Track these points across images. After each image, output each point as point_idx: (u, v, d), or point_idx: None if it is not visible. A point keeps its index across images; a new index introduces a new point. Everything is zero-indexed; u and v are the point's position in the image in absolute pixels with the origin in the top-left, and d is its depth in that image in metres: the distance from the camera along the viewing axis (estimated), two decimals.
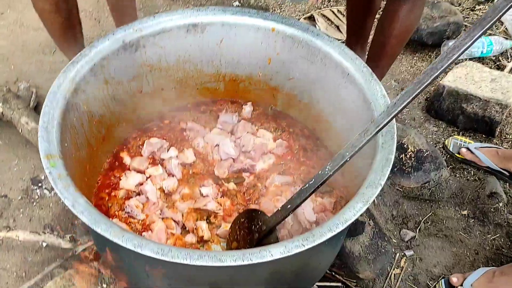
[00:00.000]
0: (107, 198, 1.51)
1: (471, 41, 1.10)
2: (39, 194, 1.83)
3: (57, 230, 1.66)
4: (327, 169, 1.21)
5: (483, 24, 1.09)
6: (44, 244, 1.67)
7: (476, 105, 2.14)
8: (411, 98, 1.17)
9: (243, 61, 1.69)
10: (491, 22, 1.09)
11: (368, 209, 1.69)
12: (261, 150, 1.66)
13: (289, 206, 1.25)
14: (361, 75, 1.40)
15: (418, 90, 1.16)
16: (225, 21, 1.55)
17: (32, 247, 1.68)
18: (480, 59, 2.59)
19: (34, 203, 1.81)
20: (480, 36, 1.10)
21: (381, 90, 1.35)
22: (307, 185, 1.23)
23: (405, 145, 1.88)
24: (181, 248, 0.96)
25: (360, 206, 1.07)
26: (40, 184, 1.86)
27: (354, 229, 1.63)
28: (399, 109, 1.18)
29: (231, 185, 1.58)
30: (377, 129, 1.19)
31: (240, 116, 1.78)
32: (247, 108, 1.79)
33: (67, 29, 1.81)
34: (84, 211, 1.01)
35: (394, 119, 1.24)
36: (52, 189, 1.85)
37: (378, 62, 1.96)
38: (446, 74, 2.28)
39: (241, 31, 1.59)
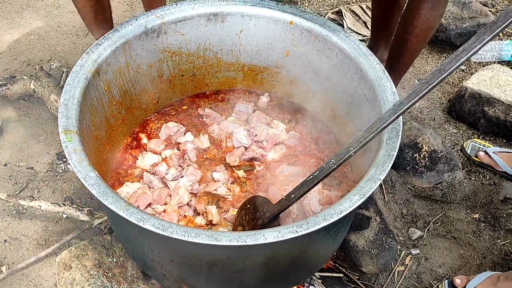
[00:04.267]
0: (124, 174, 1.59)
1: (480, 44, 1.11)
2: (63, 168, 1.94)
3: (76, 203, 1.76)
4: (331, 162, 1.23)
5: (493, 28, 1.09)
6: (64, 216, 1.77)
7: (498, 109, 2.10)
8: (417, 98, 1.18)
9: (262, 52, 1.73)
10: (502, 27, 1.09)
11: (376, 205, 1.72)
12: (273, 141, 1.70)
13: (292, 195, 1.28)
14: (374, 71, 1.42)
15: (425, 91, 1.17)
16: (245, 12, 1.60)
17: (53, 218, 1.78)
18: (510, 63, 2.54)
19: (58, 177, 1.91)
20: (489, 40, 1.10)
21: (391, 87, 1.36)
22: (311, 177, 1.27)
23: (419, 145, 1.88)
24: (180, 225, 1.02)
25: (356, 199, 1.10)
26: (64, 159, 1.96)
27: (359, 223, 1.65)
28: (405, 108, 1.20)
29: (241, 173, 1.63)
30: (383, 126, 1.20)
31: (256, 106, 1.83)
32: (264, 99, 1.83)
33: (97, 12, 1.89)
34: (94, 184, 1.08)
35: (400, 116, 1.25)
36: None
37: (399, 58, 1.96)
38: (471, 76, 2.25)
39: (261, 22, 1.63)
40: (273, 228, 1.04)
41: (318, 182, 1.25)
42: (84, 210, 1.71)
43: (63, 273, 1.45)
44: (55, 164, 1.95)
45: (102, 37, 1.43)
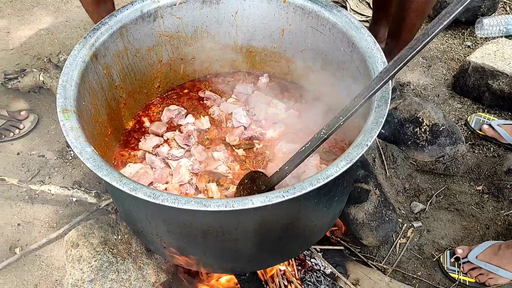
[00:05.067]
0: (127, 156, 1.65)
1: (462, 6, 1.11)
2: (72, 155, 2.01)
3: (84, 186, 1.82)
4: (322, 133, 1.26)
5: None
6: (74, 199, 1.84)
7: (502, 82, 2.08)
8: (402, 63, 1.20)
9: (258, 32, 1.76)
10: None
11: (376, 179, 1.73)
12: (272, 120, 1.73)
13: (286, 167, 1.31)
14: (365, 43, 1.43)
15: (409, 56, 1.18)
16: None
17: (64, 202, 1.86)
18: None
19: (68, 163, 1.98)
20: (470, 3, 1.10)
21: (382, 57, 1.37)
22: (303, 148, 1.29)
23: (420, 119, 1.88)
24: (171, 193, 1.06)
25: (343, 164, 1.12)
26: None
27: (358, 196, 1.67)
28: (391, 74, 1.21)
29: (240, 152, 1.66)
30: (370, 93, 1.22)
31: (255, 87, 1.86)
32: (263, 80, 1.86)
33: (100, 2, 1.95)
34: (89, 158, 1.12)
35: (389, 84, 1.27)
36: None
37: (399, 36, 1.96)
38: (474, 50, 2.23)
39: (255, 2, 1.65)
40: (260, 194, 1.07)
41: (310, 153, 1.27)
42: (91, 192, 1.77)
43: (71, 250, 1.52)
44: (64, 152, 2.03)
45: (99, 22, 1.48)
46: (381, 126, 1.23)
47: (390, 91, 1.30)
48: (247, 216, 1.16)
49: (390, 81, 1.27)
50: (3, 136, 2.07)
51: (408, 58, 1.19)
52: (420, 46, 1.19)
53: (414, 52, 1.18)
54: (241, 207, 1.04)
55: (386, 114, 1.25)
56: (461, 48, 2.49)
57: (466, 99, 2.21)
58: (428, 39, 1.17)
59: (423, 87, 2.28)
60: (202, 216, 1.13)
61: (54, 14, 2.75)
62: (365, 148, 1.17)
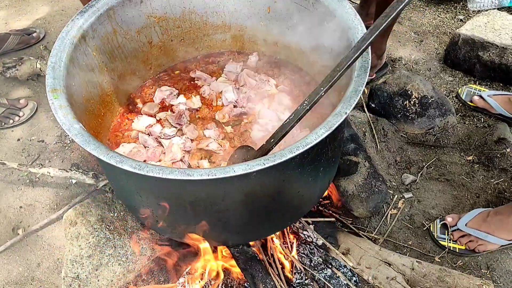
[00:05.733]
0: (121, 137, 1.69)
1: None
2: (70, 139, 2.06)
3: (82, 168, 1.87)
4: (305, 104, 1.29)
5: None
6: (73, 181, 1.90)
7: (493, 53, 2.09)
8: (378, 31, 1.22)
9: (245, 11, 1.78)
10: None
11: (365, 152, 1.76)
12: (262, 95, 1.76)
13: (272, 140, 1.34)
14: (346, 16, 1.45)
15: (385, 24, 1.21)
16: None
17: (63, 184, 1.91)
18: (510, 9, 2.49)
19: (66, 147, 2.04)
20: None
21: (362, 29, 1.39)
22: (287, 120, 1.32)
23: (409, 92, 1.90)
24: (155, 165, 1.10)
25: (322, 132, 1.15)
26: None
27: (348, 169, 1.70)
28: (367, 43, 1.24)
29: (229, 129, 1.70)
30: (348, 63, 1.25)
31: (245, 65, 1.88)
32: (253, 58, 1.89)
33: None
34: (77, 134, 1.17)
35: (368, 54, 1.29)
36: None
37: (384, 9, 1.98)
38: (464, 23, 2.23)
39: None
40: (242, 163, 1.11)
41: (294, 124, 1.30)
42: (89, 174, 1.82)
43: (69, 228, 1.57)
44: (63, 136, 2.08)
45: (86, 4, 1.51)
46: (359, 95, 1.25)
47: (370, 60, 1.32)
48: (232, 186, 1.20)
49: (369, 49, 1.30)
50: (3, 124, 2.12)
51: (383, 25, 1.22)
52: (395, 13, 1.21)
53: (389, 19, 1.21)
54: (223, 175, 1.08)
55: (365, 83, 1.27)
56: (453, 22, 2.49)
57: (457, 71, 2.22)
58: (402, 5, 1.20)
59: (414, 61, 2.29)
60: (189, 186, 1.18)
61: (50, 4, 2.79)
62: (344, 116, 1.20)
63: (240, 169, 1.09)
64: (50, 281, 1.67)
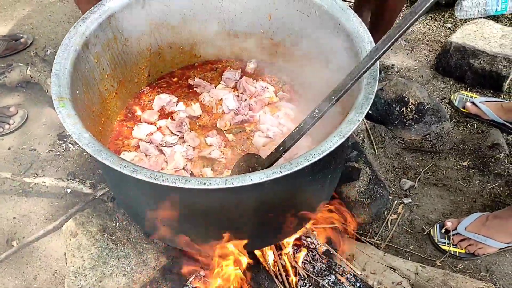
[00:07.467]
0: (121, 145, 1.66)
1: None
2: (64, 147, 2.01)
3: (79, 177, 1.83)
4: (315, 113, 1.29)
5: None
6: (69, 191, 1.85)
7: (483, 61, 2.15)
8: (391, 41, 1.23)
9: (245, 18, 1.78)
10: None
11: (365, 158, 1.78)
12: (262, 102, 1.76)
13: (281, 148, 1.34)
14: (351, 24, 1.47)
15: (398, 34, 1.22)
16: None
17: (58, 194, 1.86)
18: (495, 18, 2.57)
19: (60, 156, 1.99)
20: None
21: (368, 37, 1.41)
22: (297, 128, 1.33)
23: (406, 98, 1.93)
24: (171, 174, 1.08)
25: (336, 139, 1.16)
26: (65, 139, 2.04)
27: (350, 175, 1.71)
28: (380, 53, 1.24)
29: (230, 137, 1.69)
30: (361, 72, 1.26)
31: (243, 72, 1.88)
32: (251, 65, 1.89)
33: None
34: (88, 143, 1.14)
35: (377, 63, 1.31)
36: (76, 143, 2.02)
37: (381, 17, 2.01)
38: (455, 31, 2.29)
39: None
40: (258, 171, 1.10)
41: (304, 133, 1.31)
42: (86, 183, 1.78)
43: (70, 239, 1.53)
44: (56, 145, 2.03)
45: (88, 11, 1.49)
46: (371, 102, 1.27)
47: (378, 69, 1.34)
48: (246, 194, 1.19)
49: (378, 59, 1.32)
50: None
51: (396, 36, 1.23)
52: (408, 24, 1.22)
53: (402, 30, 1.22)
54: (241, 184, 1.07)
55: (375, 91, 1.29)
56: (442, 30, 2.55)
57: (449, 79, 2.27)
58: (415, 17, 1.21)
59: (407, 68, 2.33)
60: (202, 195, 1.16)
61: (37, 9, 2.73)
62: (357, 123, 1.21)
63: (258, 177, 1.08)
64: None
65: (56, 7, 2.73)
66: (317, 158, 1.12)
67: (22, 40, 2.47)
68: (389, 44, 1.25)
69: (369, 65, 1.26)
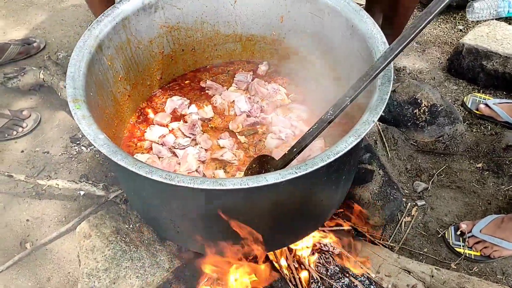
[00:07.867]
0: (134, 147, 1.67)
1: None
2: (77, 150, 2.02)
3: (92, 180, 1.84)
4: (329, 113, 1.29)
5: None
6: (82, 193, 1.86)
7: (496, 62, 2.13)
8: (406, 42, 1.23)
9: (258, 20, 1.78)
10: None
11: (378, 160, 1.77)
12: (274, 104, 1.76)
13: (294, 149, 1.34)
14: (364, 25, 1.46)
15: (413, 35, 1.22)
16: None
17: (71, 196, 1.87)
18: (507, 19, 2.55)
19: (73, 158, 2.00)
20: None
21: (382, 38, 1.40)
22: (311, 130, 1.32)
23: (418, 100, 1.92)
24: (186, 175, 1.08)
25: (352, 140, 1.15)
26: (78, 142, 2.05)
27: (363, 177, 1.70)
28: (395, 53, 1.24)
29: (242, 139, 1.69)
30: (376, 73, 1.25)
31: (255, 74, 1.88)
32: (263, 67, 1.89)
33: (107, 1, 1.97)
34: (103, 144, 1.15)
35: (391, 63, 1.30)
36: (89, 145, 2.04)
37: (393, 19, 2.01)
38: (466, 33, 2.28)
39: None
40: (273, 172, 1.10)
41: (318, 134, 1.30)
42: (99, 185, 1.79)
43: (84, 241, 1.54)
44: (69, 147, 2.04)
45: (102, 14, 1.50)
46: (385, 103, 1.26)
47: (392, 70, 1.34)
48: (261, 195, 1.19)
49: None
50: (6, 135, 2.08)
51: (412, 36, 1.22)
52: (424, 24, 1.22)
53: (418, 30, 1.21)
54: (256, 184, 1.07)
55: (389, 91, 1.28)
56: (453, 32, 2.54)
57: (461, 80, 2.25)
58: (430, 18, 1.20)
59: (418, 70, 2.32)
60: (217, 196, 1.16)
61: (49, 13, 2.75)
62: (372, 124, 1.20)
63: (273, 178, 1.08)
64: None
65: (68, 12, 2.76)
66: (332, 158, 1.12)
67: (35, 44, 2.49)
68: (404, 44, 1.24)
69: (384, 65, 1.25)
